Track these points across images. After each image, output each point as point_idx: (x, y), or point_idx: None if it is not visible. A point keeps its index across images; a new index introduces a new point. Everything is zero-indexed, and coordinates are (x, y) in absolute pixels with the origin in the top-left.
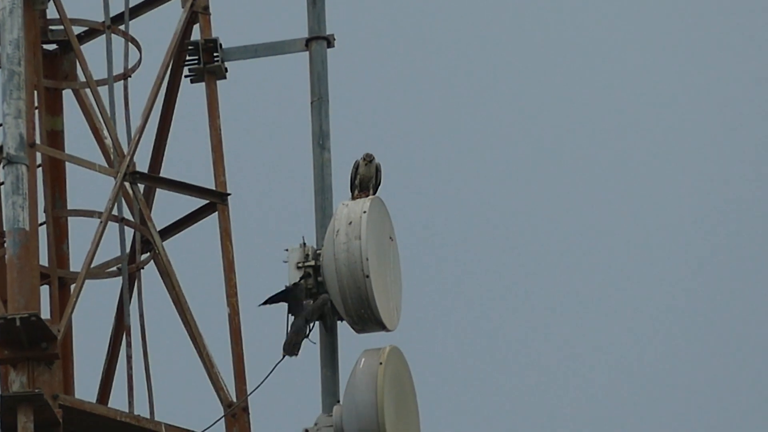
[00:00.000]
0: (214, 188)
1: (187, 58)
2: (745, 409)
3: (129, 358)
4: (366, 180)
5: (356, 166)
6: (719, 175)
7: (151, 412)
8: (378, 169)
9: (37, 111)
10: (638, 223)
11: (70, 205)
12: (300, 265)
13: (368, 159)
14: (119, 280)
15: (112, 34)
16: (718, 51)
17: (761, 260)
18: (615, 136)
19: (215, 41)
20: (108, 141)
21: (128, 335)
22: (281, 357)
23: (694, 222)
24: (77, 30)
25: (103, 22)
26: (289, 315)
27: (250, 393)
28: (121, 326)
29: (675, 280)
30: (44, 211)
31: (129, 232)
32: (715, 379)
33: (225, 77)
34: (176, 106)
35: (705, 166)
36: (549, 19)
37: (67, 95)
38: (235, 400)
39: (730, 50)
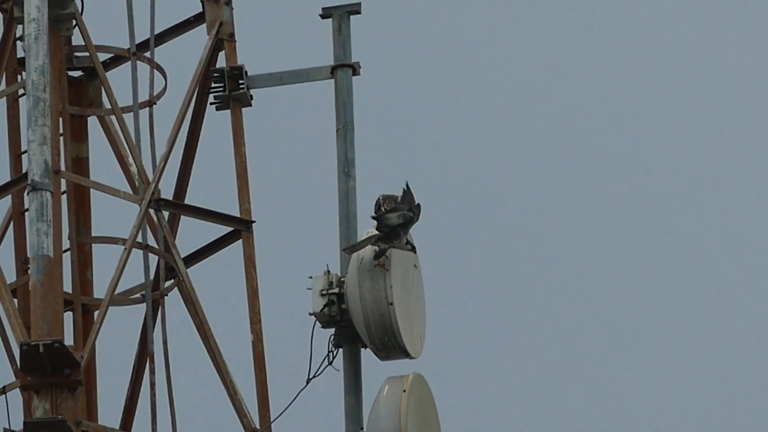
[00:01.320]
0: (238, 216)
1: (213, 85)
2: None
3: (152, 384)
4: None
5: (378, 203)
6: None
7: None
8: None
9: (62, 138)
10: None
11: (95, 232)
12: (324, 292)
13: (390, 206)
14: (143, 306)
15: (138, 61)
16: None
17: None
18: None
19: (241, 68)
20: (133, 168)
21: (152, 362)
22: (304, 384)
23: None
24: (102, 57)
25: (129, 48)
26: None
27: (274, 420)
28: (144, 353)
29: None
30: (68, 238)
31: (153, 259)
32: None
33: (250, 104)
34: (201, 133)
35: None
36: (587, 41)
37: (92, 122)
38: (258, 426)
39: None
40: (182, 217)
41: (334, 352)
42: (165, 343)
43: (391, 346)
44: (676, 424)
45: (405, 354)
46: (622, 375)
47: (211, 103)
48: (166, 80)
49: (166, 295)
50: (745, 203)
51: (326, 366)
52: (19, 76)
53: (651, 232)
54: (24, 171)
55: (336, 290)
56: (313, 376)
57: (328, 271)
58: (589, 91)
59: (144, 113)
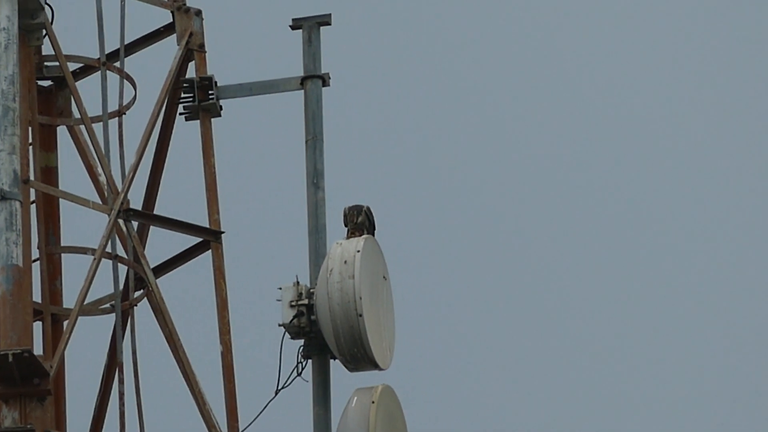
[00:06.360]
0: (208, 226)
1: (182, 95)
2: None
3: (121, 394)
4: (359, 225)
5: (345, 215)
6: None
7: None
8: (368, 214)
9: (31, 147)
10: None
11: (64, 242)
12: (293, 303)
13: (354, 216)
14: (112, 316)
15: (107, 71)
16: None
17: None
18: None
19: (210, 79)
20: (102, 178)
21: (121, 372)
22: (273, 395)
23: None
24: (72, 66)
25: (99, 58)
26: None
27: (243, 430)
28: (113, 363)
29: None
30: (38, 248)
31: (122, 269)
32: None
33: (220, 115)
34: (171, 143)
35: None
36: (559, 51)
37: (62, 132)
38: None
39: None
40: (151, 227)
41: (303, 363)
42: (134, 353)
43: (360, 358)
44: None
45: (374, 365)
46: (600, 387)
47: (180, 114)
48: (135, 90)
49: (136, 305)
50: (745, 204)
51: (295, 377)
52: None
53: (635, 235)
54: None
55: (305, 301)
56: (282, 387)
57: (298, 282)
58: (564, 99)
59: (113, 123)
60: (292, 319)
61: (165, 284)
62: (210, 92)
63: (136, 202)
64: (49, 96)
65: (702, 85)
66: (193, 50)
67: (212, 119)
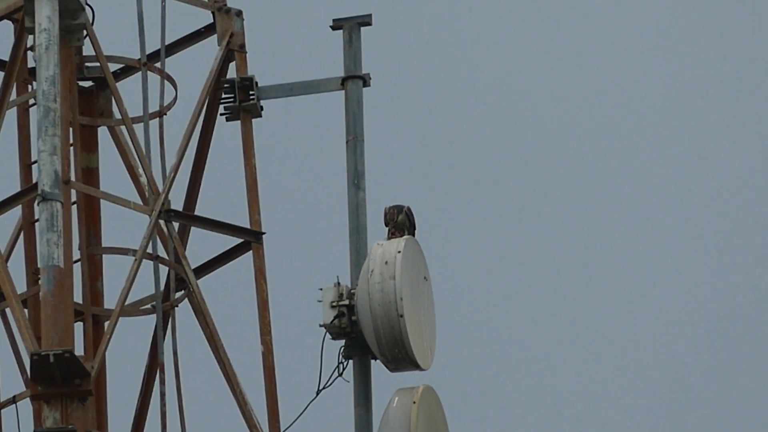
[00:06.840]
0: (248, 227)
1: (223, 96)
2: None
3: (162, 395)
4: (400, 225)
5: (385, 214)
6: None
7: None
8: (409, 214)
9: (72, 148)
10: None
11: (105, 243)
12: (334, 304)
13: (394, 215)
14: (153, 317)
15: (148, 72)
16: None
17: None
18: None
19: (251, 79)
20: (143, 178)
21: (162, 372)
22: (314, 395)
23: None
24: (113, 67)
25: (139, 59)
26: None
27: (284, 431)
28: (154, 363)
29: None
30: (79, 249)
31: (163, 270)
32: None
33: (260, 115)
34: (211, 144)
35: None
36: (602, 53)
37: (103, 132)
38: None
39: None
40: (192, 228)
41: (344, 364)
42: (175, 353)
43: (401, 358)
44: None
45: (415, 366)
46: (637, 389)
47: (221, 114)
48: (176, 91)
49: (177, 306)
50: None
51: (336, 377)
52: (29, 86)
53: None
54: (34, 181)
55: (346, 302)
56: (323, 388)
57: (338, 283)
58: (599, 97)
59: (154, 124)
60: (333, 320)
61: (206, 285)
62: (251, 93)
63: (177, 202)
64: (90, 96)
65: (701, 83)
66: (234, 51)
67: (253, 120)
